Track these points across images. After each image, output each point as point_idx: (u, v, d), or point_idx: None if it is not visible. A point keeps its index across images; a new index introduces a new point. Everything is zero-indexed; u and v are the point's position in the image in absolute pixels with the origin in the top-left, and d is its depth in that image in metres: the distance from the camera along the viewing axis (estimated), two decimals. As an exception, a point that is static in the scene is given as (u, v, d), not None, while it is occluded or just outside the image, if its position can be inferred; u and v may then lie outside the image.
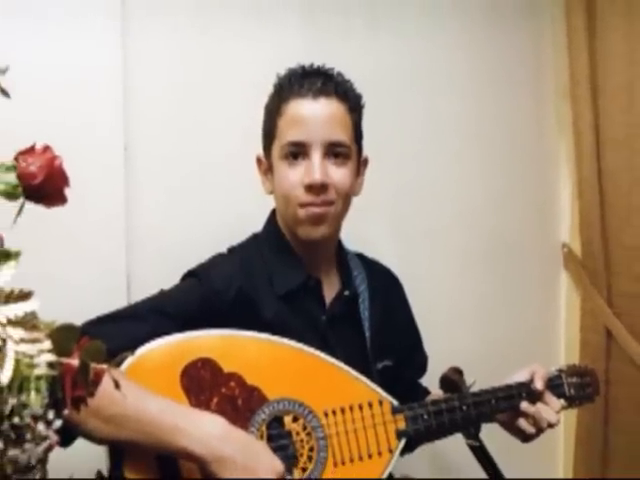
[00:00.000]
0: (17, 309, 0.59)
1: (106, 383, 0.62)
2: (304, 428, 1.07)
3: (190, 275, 1.18)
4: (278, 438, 1.05)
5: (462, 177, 1.76)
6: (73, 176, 0.70)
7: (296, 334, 1.12)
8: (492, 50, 1.79)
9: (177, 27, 1.43)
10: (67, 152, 0.70)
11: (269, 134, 1.20)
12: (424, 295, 1.47)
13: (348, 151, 1.17)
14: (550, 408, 1.22)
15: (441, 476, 1.70)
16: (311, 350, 1.11)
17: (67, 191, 0.70)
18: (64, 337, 0.60)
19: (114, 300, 1.15)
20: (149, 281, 1.21)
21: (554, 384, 1.28)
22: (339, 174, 1.15)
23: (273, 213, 1.25)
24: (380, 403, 1.12)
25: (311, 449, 1.06)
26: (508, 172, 1.83)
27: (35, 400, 0.57)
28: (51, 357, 0.59)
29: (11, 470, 0.58)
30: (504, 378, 1.25)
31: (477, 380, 1.21)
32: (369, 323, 1.25)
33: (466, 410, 1.17)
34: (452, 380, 1.21)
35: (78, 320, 0.76)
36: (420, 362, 1.39)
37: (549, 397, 1.24)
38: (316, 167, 1.13)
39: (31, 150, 0.68)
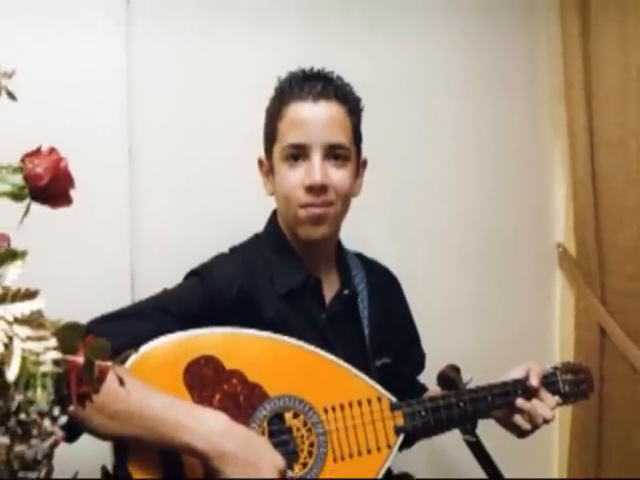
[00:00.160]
0: (23, 308, 0.59)
1: (110, 380, 0.62)
2: (304, 424, 1.07)
3: (193, 274, 1.18)
4: (279, 434, 1.06)
5: (459, 178, 1.77)
6: (78, 178, 0.70)
7: (296, 332, 1.13)
8: (488, 54, 1.80)
9: (180, 31, 1.44)
10: (72, 154, 0.71)
11: (270, 136, 1.20)
12: (422, 294, 1.48)
13: (347, 153, 1.18)
14: (545, 404, 1.23)
15: (438, 472, 1.70)
16: (311, 348, 1.12)
17: (72, 192, 0.70)
18: (69, 335, 0.60)
19: (118, 299, 1.15)
20: (153, 280, 1.21)
21: (549, 381, 1.28)
22: (339, 175, 1.16)
23: (274, 214, 1.26)
24: (379, 400, 1.13)
25: (311, 445, 1.07)
26: (504, 173, 1.84)
27: (41, 397, 0.58)
28: (57, 355, 0.59)
29: (18, 465, 0.58)
30: (500, 375, 1.26)
31: (474, 377, 1.21)
32: (368, 321, 1.25)
33: (463, 406, 1.17)
34: (449, 377, 1.21)
35: (83, 319, 0.77)
36: (418, 359, 1.40)
37: (544, 394, 1.24)
38: (316, 169, 1.13)
39: (37, 152, 0.69)
